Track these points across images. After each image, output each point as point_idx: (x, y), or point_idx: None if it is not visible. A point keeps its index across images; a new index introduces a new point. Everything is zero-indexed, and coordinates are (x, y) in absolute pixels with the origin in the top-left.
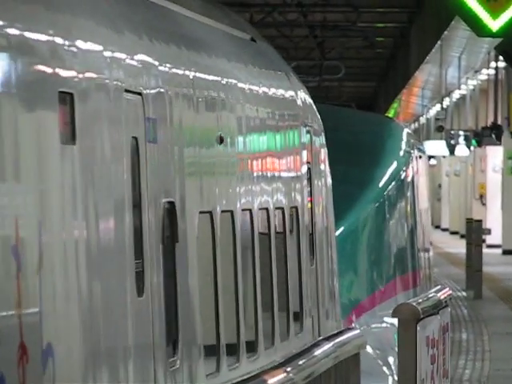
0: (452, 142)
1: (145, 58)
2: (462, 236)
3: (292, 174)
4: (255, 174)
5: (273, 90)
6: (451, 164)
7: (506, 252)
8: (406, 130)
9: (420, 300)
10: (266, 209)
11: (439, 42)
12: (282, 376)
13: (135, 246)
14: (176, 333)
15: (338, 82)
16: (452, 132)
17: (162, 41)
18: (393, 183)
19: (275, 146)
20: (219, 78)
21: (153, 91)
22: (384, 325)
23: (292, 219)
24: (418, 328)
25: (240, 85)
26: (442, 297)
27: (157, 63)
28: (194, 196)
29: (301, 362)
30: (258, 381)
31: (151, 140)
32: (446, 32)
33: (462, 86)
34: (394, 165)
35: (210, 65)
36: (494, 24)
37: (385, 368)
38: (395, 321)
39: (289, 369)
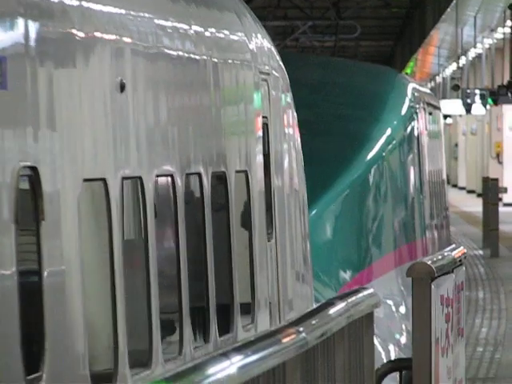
0: (468, 100)
1: None
2: (479, 195)
3: (238, 131)
4: (179, 132)
5: (211, 31)
6: (467, 123)
7: None
8: (412, 84)
9: (435, 258)
10: (198, 174)
11: (455, 1)
12: (294, 335)
13: None
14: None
15: (354, 42)
16: (468, 91)
17: None
18: (393, 141)
19: (211, 95)
20: (126, 12)
21: None
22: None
23: (239, 186)
24: (433, 287)
25: (160, 22)
26: (457, 255)
27: None
28: (69, 159)
29: (314, 322)
30: (271, 340)
31: None
32: None
33: (478, 45)
34: (396, 121)
35: None
36: None
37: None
38: (391, 302)
39: (301, 328)
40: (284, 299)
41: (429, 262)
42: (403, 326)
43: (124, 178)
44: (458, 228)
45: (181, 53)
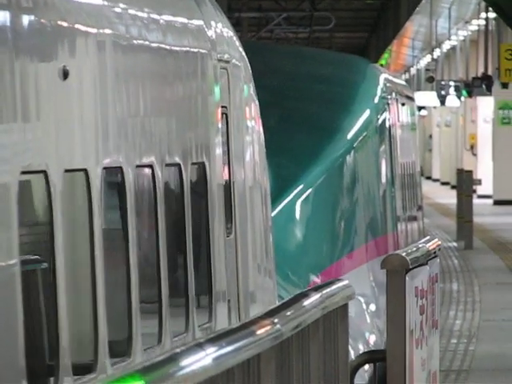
0: (443, 92)
1: None
2: (453, 187)
3: (194, 121)
4: (127, 122)
5: (166, 17)
6: (442, 115)
7: (496, 202)
8: (383, 74)
9: (409, 250)
10: (150, 166)
11: None
12: (268, 327)
13: None
14: None
15: (328, 33)
16: (443, 83)
17: None
18: (364, 133)
19: (164, 84)
20: None
21: None
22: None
23: (195, 179)
24: (407, 278)
25: (110, 4)
26: (432, 247)
27: None
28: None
29: (288, 313)
30: (246, 332)
31: None
32: None
33: (453, 37)
34: (366, 112)
35: None
36: None
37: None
38: (362, 299)
39: (276, 320)
40: (245, 296)
41: (403, 254)
42: (374, 324)
43: (66, 171)
44: (432, 220)
45: (132, 39)
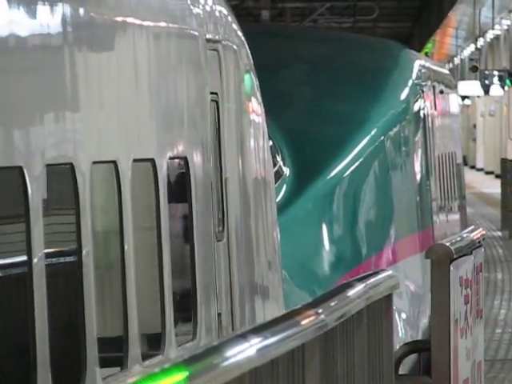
0: (486, 82)
1: None
2: (497, 176)
3: (174, 109)
4: (91, 113)
5: None
6: (486, 104)
7: None
8: (419, 60)
9: (453, 240)
10: (114, 162)
11: None
12: (313, 317)
13: None
14: None
15: (371, 23)
16: (486, 72)
17: None
18: (396, 123)
19: (137, 67)
20: None
21: None
22: None
23: (175, 176)
24: (452, 268)
25: None
26: (476, 237)
27: None
28: None
29: (332, 304)
30: (290, 322)
31: None
32: None
33: (496, 26)
34: (398, 100)
35: None
36: None
37: None
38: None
39: (320, 310)
40: (242, 305)
41: (448, 244)
42: (407, 334)
43: (47, 165)
44: (476, 209)
45: (96, 15)
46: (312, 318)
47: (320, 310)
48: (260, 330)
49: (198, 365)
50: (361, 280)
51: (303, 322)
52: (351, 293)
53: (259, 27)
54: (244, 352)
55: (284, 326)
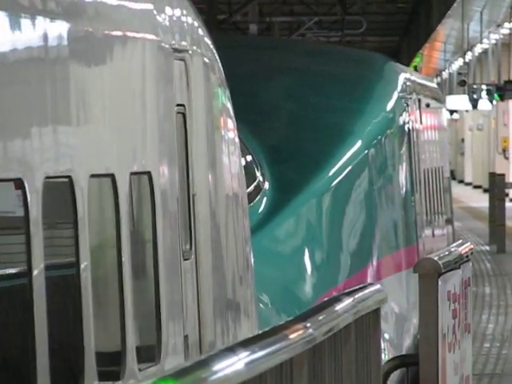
0: (474, 96)
1: None
2: (485, 190)
3: (136, 122)
4: (38, 125)
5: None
6: (474, 118)
7: None
8: (404, 73)
9: (441, 254)
10: (68, 177)
11: None
12: (301, 331)
13: None
14: None
15: (360, 37)
16: (474, 86)
17: None
18: (379, 137)
19: (95, 79)
20: None
21: None
22: None
23: (136, 192)
24: (440, 282)
25: None
26: (464, 251)
27: None
28: None
29: (321, 317)
30: (278, 336)
31: None
32: None
33: (485, 41)
34: (381, 113)
35: None
36: None
37: None
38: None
39: (308, 324)
40: (211, 325)
41: (435, 258)
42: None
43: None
44: (464, 224)
45: (50, 23)
46: (300, 332)
47: (308, 324)
48: (248, 343)
49: (187, 378)
50: (349, 294)
51: (291, 336)
52: (339, 307)
53: (243, 39)
54: (232, 366)
55: (272, 339)
